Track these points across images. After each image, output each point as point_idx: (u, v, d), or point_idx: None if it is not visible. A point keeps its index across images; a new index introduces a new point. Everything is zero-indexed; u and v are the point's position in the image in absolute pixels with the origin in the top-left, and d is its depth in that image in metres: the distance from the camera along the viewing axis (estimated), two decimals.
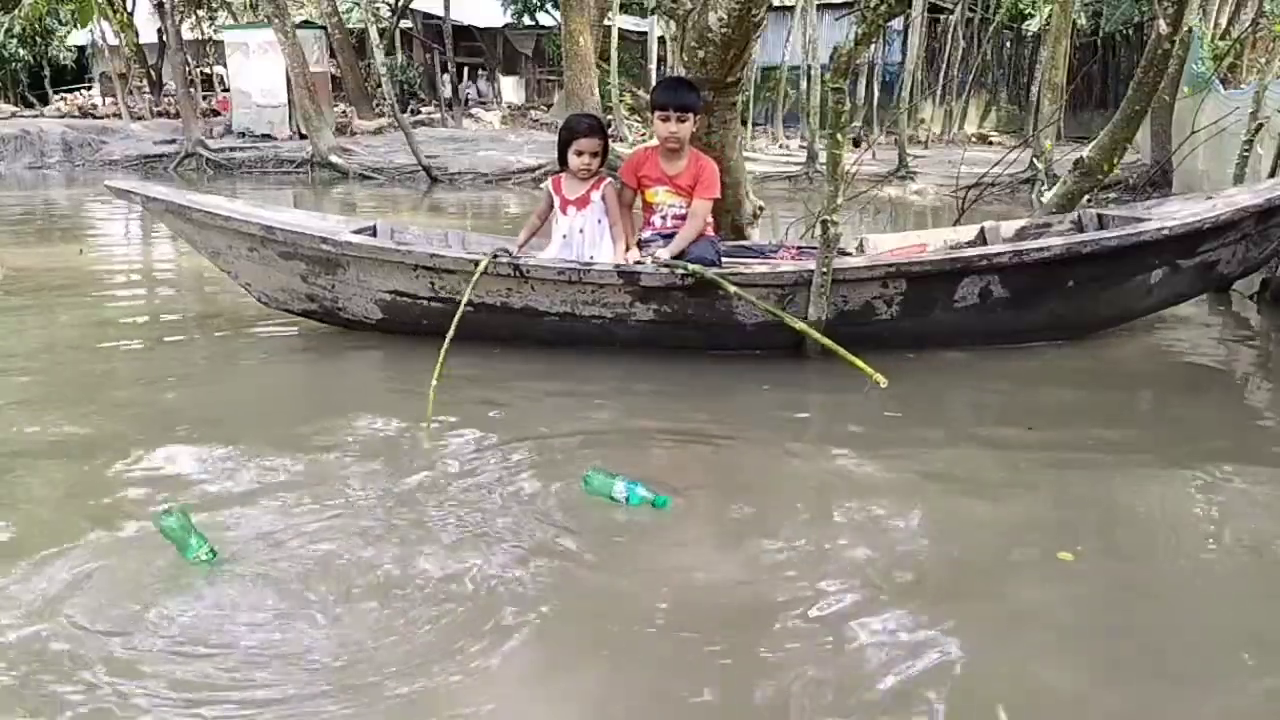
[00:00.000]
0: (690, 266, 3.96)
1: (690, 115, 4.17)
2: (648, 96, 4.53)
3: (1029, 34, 21.71)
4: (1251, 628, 2.20)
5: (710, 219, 4.35)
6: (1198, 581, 2.42)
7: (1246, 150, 6.15)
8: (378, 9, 21.75)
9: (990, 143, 19.68)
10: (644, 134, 17.32)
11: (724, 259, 4.38)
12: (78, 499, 2.80)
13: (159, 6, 17.56)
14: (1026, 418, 3.59)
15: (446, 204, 12.92)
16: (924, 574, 2.41)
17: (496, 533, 2.60)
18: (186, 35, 20.43)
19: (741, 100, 5.54)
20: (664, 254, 4.08)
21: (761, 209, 5.53)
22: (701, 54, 4.54)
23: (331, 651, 2.06)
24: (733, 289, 3.89)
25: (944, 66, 21.26)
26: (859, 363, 3.58)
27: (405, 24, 23.33)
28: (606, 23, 17.02)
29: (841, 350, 3.68)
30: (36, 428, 3.41)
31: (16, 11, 22.22)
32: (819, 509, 2.82)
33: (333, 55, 19.56)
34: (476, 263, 4.07)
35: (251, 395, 4.00)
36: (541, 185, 4.39)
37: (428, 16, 23.23)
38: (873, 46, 15.85)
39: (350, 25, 21.55)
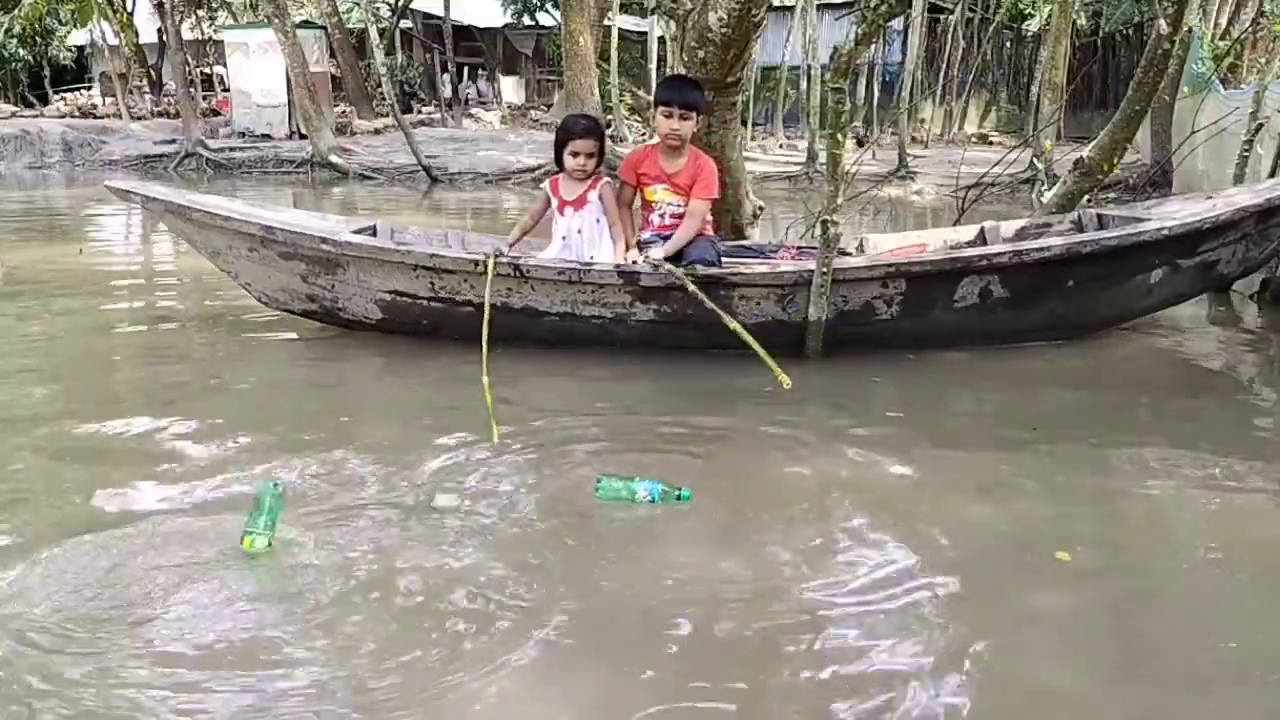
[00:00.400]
0: (665, 266, 3.95)
1: (693, 114, 4.17)
2: (648, 96, 4.51)
3: (1029, 34, 21.71)
4: (1252, 628, 2.20)
5: (710, 218, 4.35)
6: (1198, 582, 2.42)
7: (1246, 150, 6.15)
8: (378, 9, 21.74)
9: (990, 143, 19.68)
10: (644, 134, 17.32)
11: (724, 259, 4.38)
12: (77, 499, 2.79)
13: (159, 6, 17.56)
14: (1027, 418, 3.58)
15: (446, 204, 12.92)
16: (925, 574, 2.41)
17: (496, 534, 2.60)
18: (186, 35, 20.43)
19: (741, 100, 5.53)
20: (657, 253, 4.08)
21: (761, 209, 5.54)
22: (701, 54, 4.54)
23: (332, 651, 2.06)
24: (692, 287, 3.85)
25: (944, 66, 21.26)
26: (769, 360, 3.53)
27: (405, 24, 23.32)
28: (606, 23, 16.99)
29: (755, 344, 3.61)
30: (35, 428, 3.41)
31: (16, 11, 22.21)
32: (820, 509, 2.81)
33: (333, 55, 19.57)
34: (476, 263, 4.07)
35: (251, 395, 4.00)
36: (541, 185, 4.38)
37: (428, 16, 23.23)
38: (873, 46, 15.85)
39: (350, 25, 21.55)
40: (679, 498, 2.74)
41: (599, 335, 4.23)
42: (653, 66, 19.83)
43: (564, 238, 4.34)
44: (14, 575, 2.34)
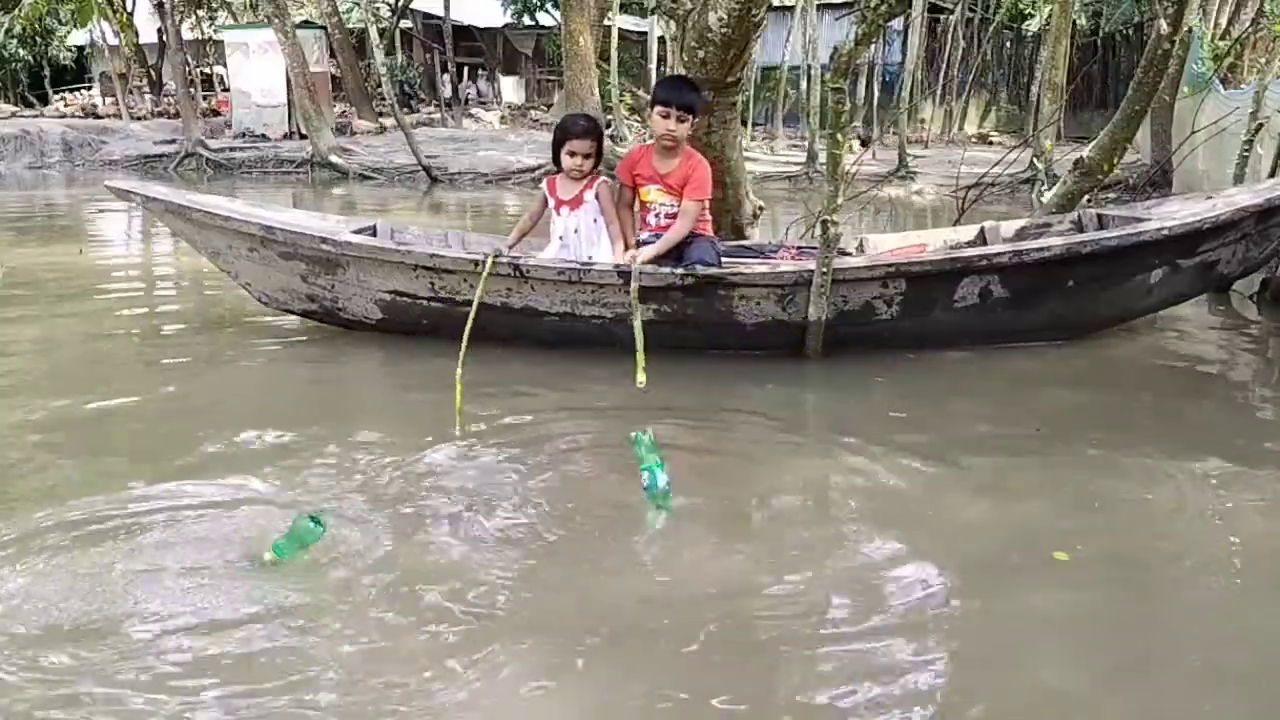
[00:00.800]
0: (636, 265, 3.95)
1: (690, 116, 4.15)
2: (648, 96, 4.51)
3: (1029, 34, 21.69)
4: (1252, 628, 2.20)
5: (708, 218, 4.35)
6: (1199, 581, 2.42)
7: (1246, 150, 6.15)
8: (378, 9, 21.74)
9: (990, 143, 19.66)
10: (644, 134, 17.31)
11: (724, 259, 4.37)
12: (75, 500, 2.79)
13: (159, 6, 17.56)
14: (1028, 418, 3.58)
15: (446, 204, 12.92)
16: (926, 574, 2.41)
17: (496, 534, 2.60)
18: (186, 35, 20.43)
19: (741, 100, 5.54)
20: (647, 253, 4.08)
21: (761, 209, 5.53)
22: (701, 54, 4.54)
23: (331, 651, 2.06)
24: (634, 289, 3.86)
25: (944, 66, 21.25)
26: (640, 356, 3.53)
27: (405, 24, 23.32)
28: (606, 23, 16.98)
29: (641, 341, 3.60)
30: (34, 429, 3.41)
31: (16, 11, 22.20)
32: (820, 509, 2.82)
33: (333, 55, 19.56)
34: (476, 263, 4.07)
35: (251, 395, 4.00)
36: (541, 185, 4.39)
37: (428, 16, 23.22)
38: (873, 46, 15.84)
39: (350, 25, 21.54)
40: (659, 506, 2.69)
41: (599, 335, 4.22)
42: (653, 66, 19.82)
43: (561, 237, 4.34)
44: (11, 575, 2.34)
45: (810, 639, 2.14)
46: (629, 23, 21.50)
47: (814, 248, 4.35)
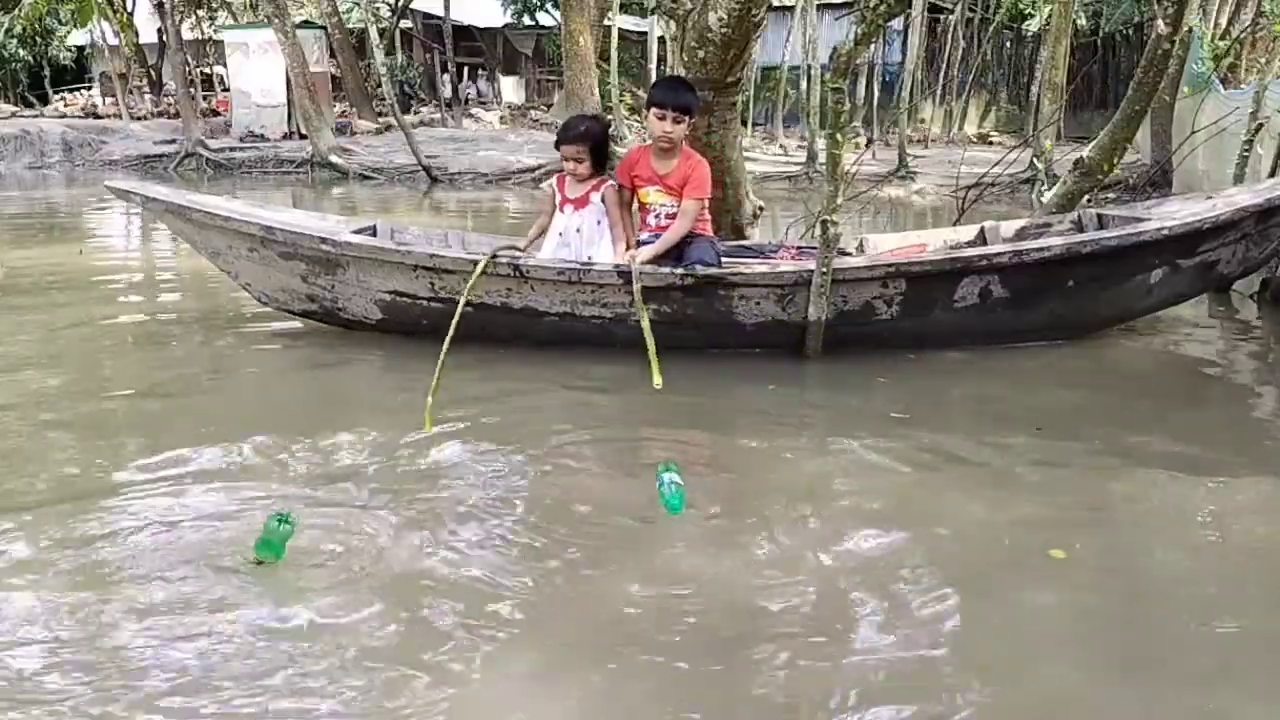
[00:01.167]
0: (637, 266, 3.96)
1: (686, 117, 4.15)
2: (648, 95, 4.50)
3: (1029, 34, 21.69)
4: (1252, 627, 2.20)
5: (707, 218, 4.35)
6: (1199, 580, 2.42)
7: (1246, 150, 6.14)
8: (378, 9, 21.73)
9: (990, 143, 19.66)
10: (644, 134, 17.28)
11: (724, 259, 4.37)
12: (74, 500, 2.79)
13: (159, 6, 17.56)
14: (1028, 418, 3.58)
15: (446, 204, 12.92)
16: (926, 574, 2.41)
17: (496, 534, 2.60)
18: (186, 35, 20.43)
19: (741, 100, 5.54)
20: (646, 253, 4.08)
21: (761, 209, 5.53)
22: (701, 54, 4.54)
23: (330, 651, 2.06)
24: (637, 290, 3.87)
25: (944, 66, 21.25)
26: (652, 356, 3.52)
27: (405, 24, 23.31)
28: (606, 23, 17.00)
29: (652, 342, 3.61)
30: (34, 428, 3.41)
31: (16, 11, 22.21)
32: (821, 509, 2.81)
33: (333, 55, 19.56)
34: (476, 263, 4.07)
35: (251, 396, 4.00)
36: (541, 185, 4.40)
37: (428, 16, 23.21)
38: (873, 46, 15.85)
39: (350, 25, 21.54)
40: (669, 503, 2.65)
41: (599, 335, 4.22)
42: (653, 66, 19.81)
43: (560, 234, 4.35)
44: (8, 578, 2.34)
45: (810, 638, 2.13)
46: (629, 23, 21.49)
47: (814, 248, 4.35)
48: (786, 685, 1.98)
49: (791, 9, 18.74)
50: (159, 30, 19.36)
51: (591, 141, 4.29)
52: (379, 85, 18.03)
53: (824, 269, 3.97)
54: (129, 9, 22.81)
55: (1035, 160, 9.63)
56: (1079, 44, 18.65)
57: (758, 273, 4.23)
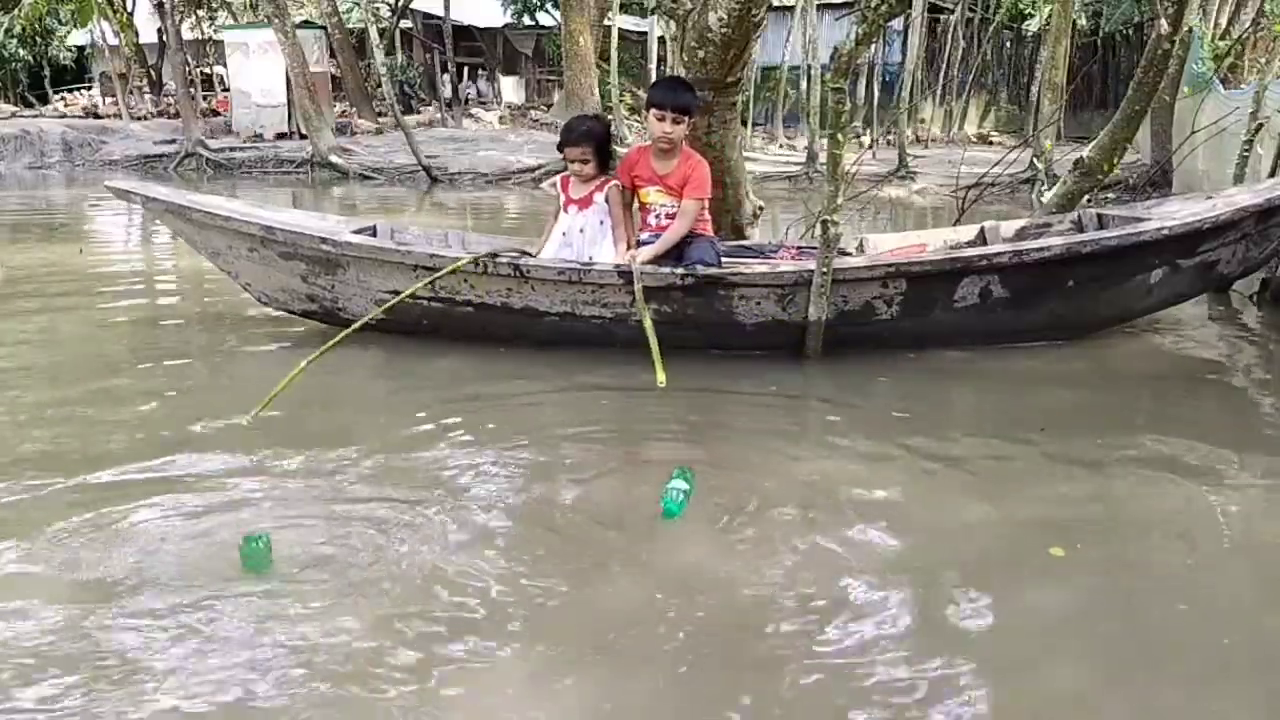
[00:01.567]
0: (637, 266, 3.97)
1: (686, 117, 4.15)
2: (647, 95, 4.50)
3: (1029, 34, 21.71)
4: (1252, 627, 2.20)
5: (707, 218, 4.35)
6: (1199, 581, 2.42)
7: (1246, 150, 6.15)
8: (378, 9, 21.74)
9: (990, 143, 19.68)
10: (644, 134, 17.29)
11: (724, 259, 4.38)
12: (73, 499, 2.79)
13: (159, 6, 17.57)
14: (1029, 418, 3.58)
15: (446, 204, 12.92)
16: (928, 574, 2.41)
17: (496, 534, 2.60)
18: (186, 35, 20.44)
19: (741, 100, 5.53)
20: (646, 253, 4.08)
21: (761, 209, 5.53)
22: (701, 54, 4.54)
23: (330, 651, 2.06)
24: (638, 290, 3.87)
25: (944, 66, 21.26)
26: (655, 355, 3.51)
27: (405, 24, 23.32)
28: (606, 23, 17.01)
29: (654, 341, 3.58)
30: (35, 428, 3.41)
31: (16, 11, 22.21)
32: (822, 509, 2.81)
33: (333, 55, 19.57)
34: (477, 262, 4.08)
35: (251, 396, 3.99)
36: (541, 185, 4.41)
37: (428, 16, 23.22)
38: (873, 46, 15.85)
39: (350, 25, 21.55)
40: (666, 508, 2.66)
41: (599, 335, 4.23)
42: (653, 66, 19.82)
43: (564, 233, 4.36)
44: (7, 580, 2.34)
45: (810, 639, 2.13)
46: (629, 23, 21.50)
47: (814, 248, 4.35)
48: (787, 685, 1.98)
49: (791, 9, 18.76)
50: (159, 30, 19.37)
51: (596, 141, 4.30)
52: (379, 85, 18.04)
53: (824, 269, 3.97)
54: (129, 9, 22.82)
55: (1035, 160, 9.64)
56: (1079, 44, 18.68)
57: (758, 273, 4.23)
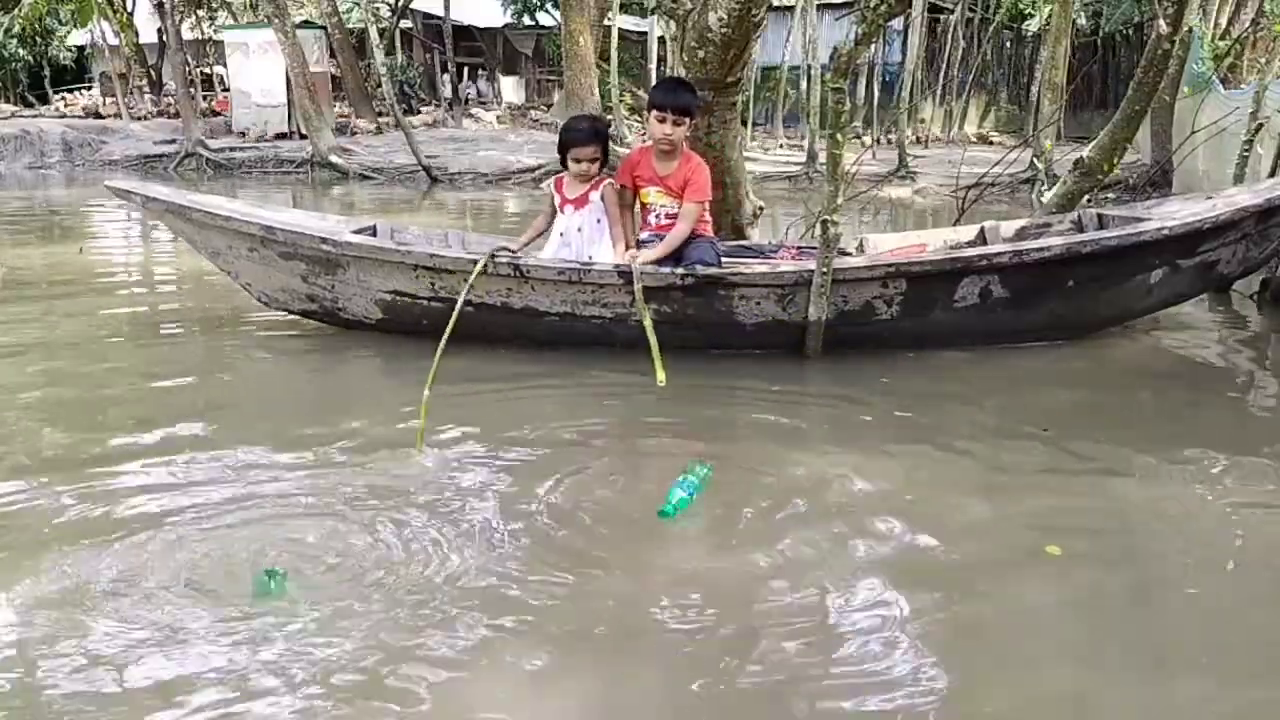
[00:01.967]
0: (637, 266, 3.97)
1: (686, 118, 4.15)
2: (648, 96, 4.50)
3: (1029, 34, 21.69)
4: (1251, 626, 2.20)
5: (708, 219, 4.35)
6: (1199, 580, 2.42)
7: (1246, 150, 6.14)
8: (378, 9, 21.73)
9: (990, 143, 19.66)
10: (644, 134, 17.28)
11: (724, 259, 4.38)
12: (74, 498, 2.79)
13: (159, 6, 17.56)
14: (1029, 418, 3.58)
15: (446, 204, 12.92)
16: (928, 573, 2.41)
17: (496, 534, 2.60)
18: (186, 35, 20.42)
19: (741, 100, 5.54)
20: (648, 255, 4.08)
21: (761, 209, 5.54)
22: (701, 54, 4.54)
23: (329, 651, 2.06)
24: (638, 290, 3.87)
25: (944, 66, 21.25)
26: (656, 355, 3.52)
27: (405, 24, 23.31)
28: (606, 23, 17.00)
29: (654, 340, 3.59)
30: (35, 428, 3.41)
31: (16, 11, 22.20)
32: (822, 509, 2.81)
33: (333, 55, 19.55)
34: (476, 262, 4.07)
35: (251, 395, 4.00)
36: (541, 185, 4.40)
37: (428, 16, 23.21)
38: (873, 46, 15.85)
39: (350, 25, 21.53)
40: (665, 505, 2.67)
41: (599, 335, 4.23)
42: (653, 66, 19.81)
43: (562, 234, 4.36)
44: (6, 582, 2.34)
45: (811, 638, 2.13)
46: (629, 23, 21.49)
47: (814, 248, 4.35)
48: (787, 684, 1.98)
49: (791, 9, 18.73)
50: (159, 30, 19.36)
51: (602, 140, 4.31)
52: (379, 85, 18.02)
53: (824, 269, 3.97)
54: (129, 9, 22.82)
55: (1035, 160, 9.63)
56: (1079, 44, 18.66)
57: (758, 273, 4.23)
